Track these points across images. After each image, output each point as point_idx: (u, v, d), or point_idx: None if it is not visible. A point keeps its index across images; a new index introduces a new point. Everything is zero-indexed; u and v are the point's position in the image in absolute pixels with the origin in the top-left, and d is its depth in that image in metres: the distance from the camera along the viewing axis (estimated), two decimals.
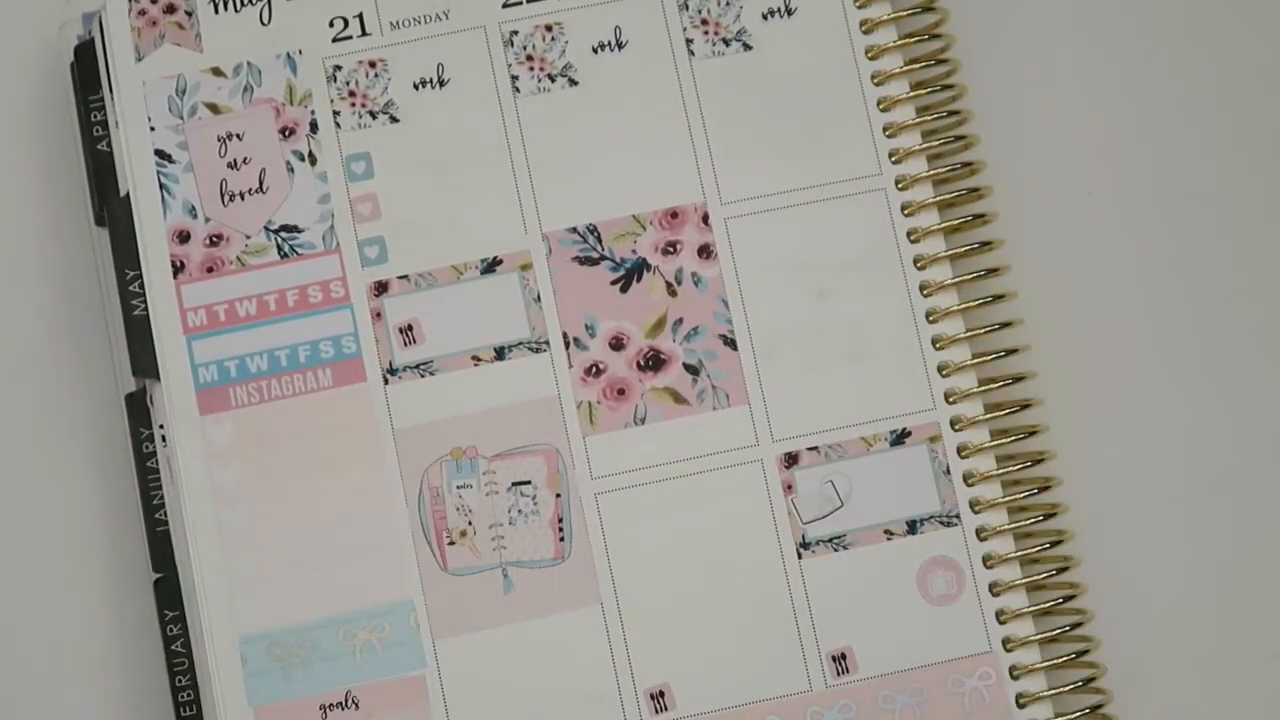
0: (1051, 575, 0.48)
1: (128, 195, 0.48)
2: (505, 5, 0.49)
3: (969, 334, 0.48)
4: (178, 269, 0.48)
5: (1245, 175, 0.53)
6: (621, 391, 0.48)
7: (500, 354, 0.48)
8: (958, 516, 0.48)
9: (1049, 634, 0.47)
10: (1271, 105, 0.53)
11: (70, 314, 0.51)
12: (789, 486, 0.48)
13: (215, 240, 0.48)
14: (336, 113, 0.49)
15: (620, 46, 0.49)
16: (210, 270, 0.48)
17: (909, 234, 0.49)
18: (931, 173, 0.49)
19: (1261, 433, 0.51)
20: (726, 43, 0.49)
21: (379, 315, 0.48)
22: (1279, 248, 0.52)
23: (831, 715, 0.47)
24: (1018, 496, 0.48)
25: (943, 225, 0.49)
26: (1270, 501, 0.51)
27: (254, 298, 0.48)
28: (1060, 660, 0.47)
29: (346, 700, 0.46)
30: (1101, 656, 0.48)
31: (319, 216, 0.49)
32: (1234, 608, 0.50)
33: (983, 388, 0.48)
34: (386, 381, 0.48)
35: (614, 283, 0.48)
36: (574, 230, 0.48)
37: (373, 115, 0.49)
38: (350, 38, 0.49)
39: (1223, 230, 0.52)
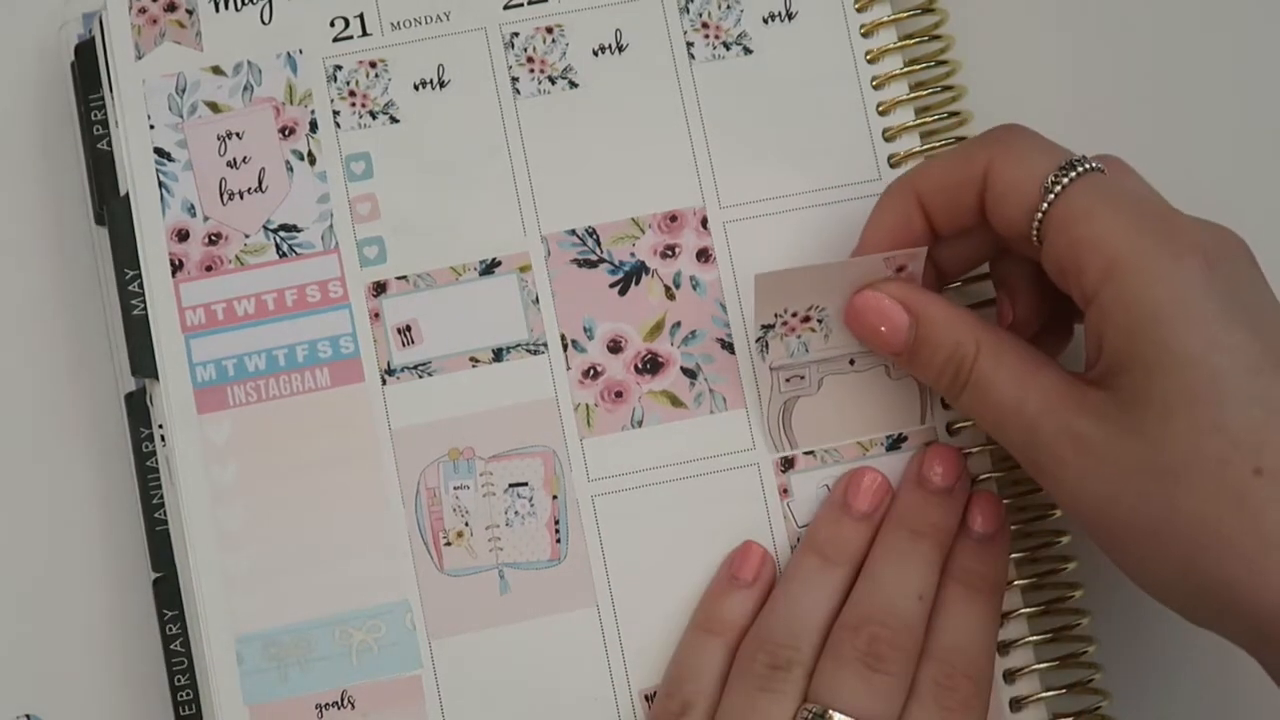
0: (1050, 574, 0.48)
1: (127, 194, 0.49)
2: (506, 7, 0.49)
3: None
4: (176, 268, 0.48)
5: (1246, 175, 0.52)
6: (619, 394, 0.48)
7: (498, 355, 0.48)
8: None
9: (1045, 635, 0.47)
10: (1273, 105, 0.53)
11: (70, 313, 0.51)
12: (785, 490, 0.48)
13: (214, 239, 0.48)
14: (336, 112, 0.49)
15: (621, 49, 0.49)
16: (209, 269, 0.48)
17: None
18: None
19: None
20: (727, 46, 0.49)
21: (377, 315, 0.48)
22: None
23: None
24: (1014, 497, 0.48)
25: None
26: None
27: (252, 297, 0.48)
28: (1056, 661, 0.47)
29: (342, 699, 0.46)
30: (1098, 657, 0.48)
31: (318, 216, 0.49)
32: None
33: None
34: (384, 382, 0.48)
35: (613, 285, 0.48)
36: (573, 232, 0.48)
37: (373, 115, 0.49)
38: (351, 38, 0.49)
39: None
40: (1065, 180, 0.42)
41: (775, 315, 0.47)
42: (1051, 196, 0.42)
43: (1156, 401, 0.40)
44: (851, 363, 0.48)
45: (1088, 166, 0.42)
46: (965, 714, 0.44)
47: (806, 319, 0.47)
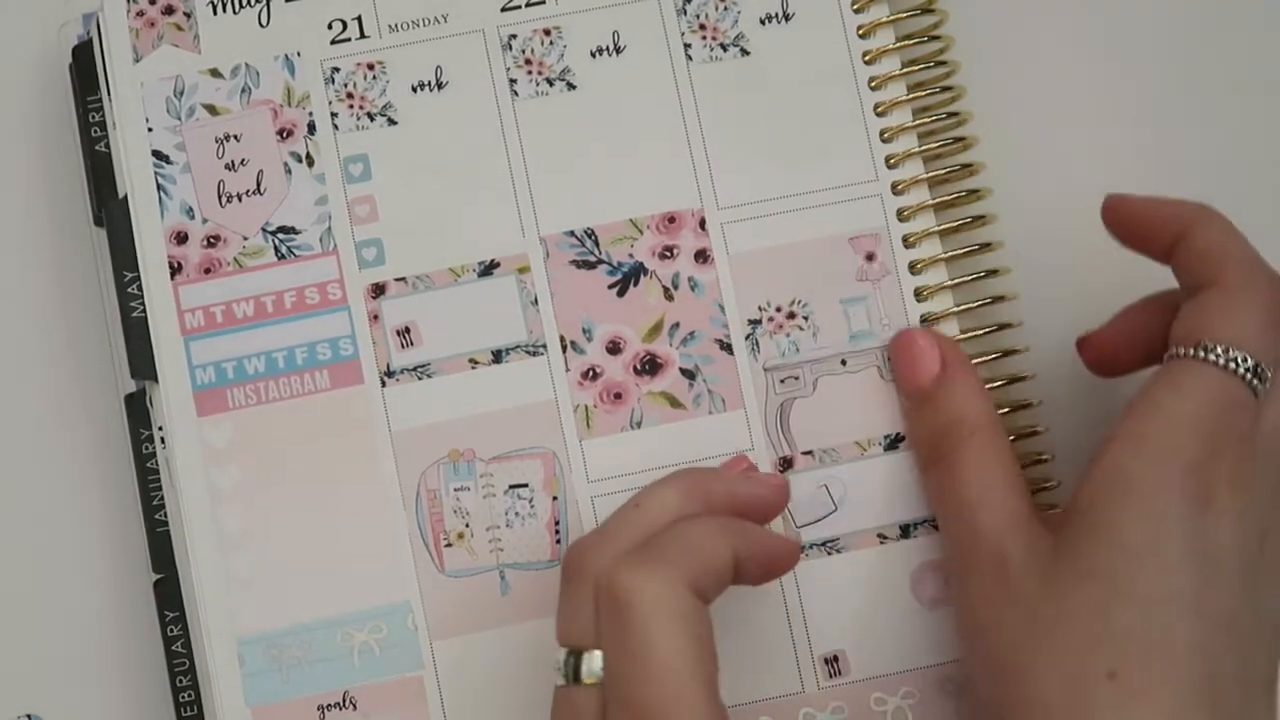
0: None
1: (126, 196, 0.49)
2: (504, 9, 0.49)
3: (966, 336, 0.48)
4: (175, 270, 0.48)
5: (1245, 176, 0.53)
6: (618, 395, 0.48)
7: (497, 357, 0.48)
8: None
9: None
10: (1274, 107, 0.53)
11: (70, 315, 0.51)
12: None
13: (213, 241, 0.48)
14: (334, 114, 0.49)
15: (618, 51, 0.49)
16: (208, 271, 0.48)
17: (905, 239, 0.49)
18: (929, 175, 0.49)
19: None
20: (724, 48, 0.49)
21: (376, 317, 0.48)
22: None
23: (823, 717, 0.47)
24: None
25: (939, 228, 0.49)
26: None
27: (251, 299, 0.48)
28: None
29: (344, 701, 0.47)
30: None
31: (316, 218, 0.49)
32: None
33: None
34: (384, 384, 0.48)
35: (611, 286, 0.48)
36: (571, 234, 0.49)
37: (371, 117, 0.49)
38: (349, 40, 0.49)
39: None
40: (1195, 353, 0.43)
41: (759, 309, 0.47)
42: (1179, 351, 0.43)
43: (1080, 566, 0.41)
44: (843, 363, 0.48)
45: (1246, 370, 0.42)
46: None
47: (791, 315, 0.47)
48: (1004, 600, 0.42)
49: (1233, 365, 0.42)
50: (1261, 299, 0.44)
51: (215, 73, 0.49)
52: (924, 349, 0.46)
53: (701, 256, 0.48)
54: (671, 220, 0.49)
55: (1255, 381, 0.43)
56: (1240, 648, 0.41)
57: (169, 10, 0.49)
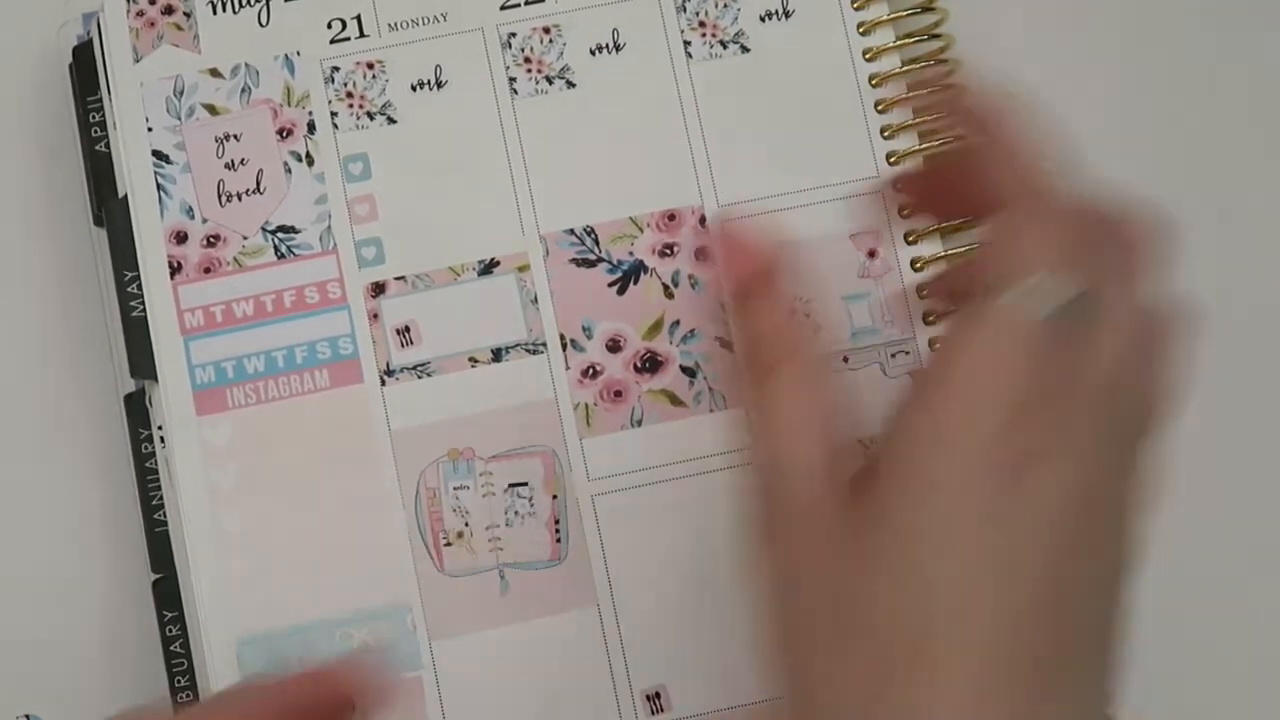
0: None
1: (126, 196, 0.49)
2: (503, 7, 0.49)
3: None
4: (175, 270, 0.48)
5: (1244, 175, 0.52)
6: (618, 393, 0.48)
7: (497, 355, 0.48)
8: None
9: None
10: (1275, 107, 0.53)
11: (70, 314, 0.51)
12: None
13: (212, 241, 0.48)
14: (334, 114, 0.49)
15: (618, 48, 0.49)
16: (207, 271, 0.48)
17: (906, 236, 0.49)
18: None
19: (1263, 435, 0.51)
20: (724, 45, 0.49)
21: (376, 316, 0.48)
22: None
23: None
24: None
25: (940, 227, 0.49)
26: (1267, 506, 0.51)
27: (251, 298, 0.48)
28: None
29: None
30: None
31: (316, 217, 0.49)
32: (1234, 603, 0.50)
33: None
34: (384, 383, 0.48)
35: (611, 284, 0.48)
36: (571, 232, 0.48)
37: (370, 116, 0.49)
38: (348, 39, 0.49)
39: (1226, 230, 0.52)
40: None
41: None
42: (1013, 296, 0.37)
43: (884, 535, 0.36)
44: (845, 360, 0.48)
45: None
46: None
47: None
48: (815, 554, 0.37)
49: (1030, 303, 0.36)
50: (1059, 217, 0.37)
51: (215, 72, 0.49)
52: (744, 247, 0.41)
53: (701, 254, 0.48)
54: (671, 218, 0.49)
55: (1069, 309, 0.36)
56: (1064, 603, 0.36)
57: (169, 10, 0.49)
